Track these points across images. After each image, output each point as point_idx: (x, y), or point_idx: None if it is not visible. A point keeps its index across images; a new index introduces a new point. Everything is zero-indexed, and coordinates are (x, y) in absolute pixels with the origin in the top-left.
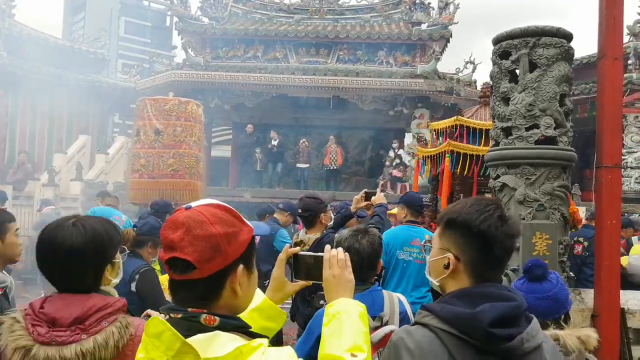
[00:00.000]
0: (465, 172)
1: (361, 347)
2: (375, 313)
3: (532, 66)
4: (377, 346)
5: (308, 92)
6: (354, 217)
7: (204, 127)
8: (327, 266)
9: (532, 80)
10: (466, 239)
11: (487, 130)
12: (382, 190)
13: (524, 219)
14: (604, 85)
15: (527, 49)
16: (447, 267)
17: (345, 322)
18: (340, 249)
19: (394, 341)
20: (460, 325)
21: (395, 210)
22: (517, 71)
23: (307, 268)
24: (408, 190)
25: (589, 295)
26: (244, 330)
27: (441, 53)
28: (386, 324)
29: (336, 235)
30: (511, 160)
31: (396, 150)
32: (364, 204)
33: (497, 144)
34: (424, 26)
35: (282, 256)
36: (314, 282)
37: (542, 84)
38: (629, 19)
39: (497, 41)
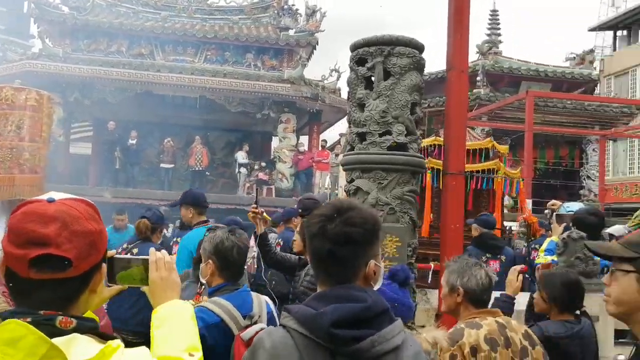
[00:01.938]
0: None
1: (196, 346)
2: (246, 312)
3: (387, 74)
4: (247, 343)
5: (174, 90)
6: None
7: (63, 121)
8: (154, 269)
9: (386, 87)
10: (307, 240)
11: None
12: (247, 193)
13: None
14: (451, 96)
15: (382, 57)
16: None
17: (179, 323)
18: (164, 251)
19: (255, 340)
20: (308, 326)
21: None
22: (373, 78)
23: (126, 271)
24: (274, 194)
25: (434, 295)
26: (96, 331)
27: (308, 59)
28: (255, 323)
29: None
30: (365, 164)
31: (243, 156)
32: None
33: (352, 148)
34: (291, 32)
35: None
36: (132, 286)
37: (395, 92)
38: (478, 38)
39: (354, 48)
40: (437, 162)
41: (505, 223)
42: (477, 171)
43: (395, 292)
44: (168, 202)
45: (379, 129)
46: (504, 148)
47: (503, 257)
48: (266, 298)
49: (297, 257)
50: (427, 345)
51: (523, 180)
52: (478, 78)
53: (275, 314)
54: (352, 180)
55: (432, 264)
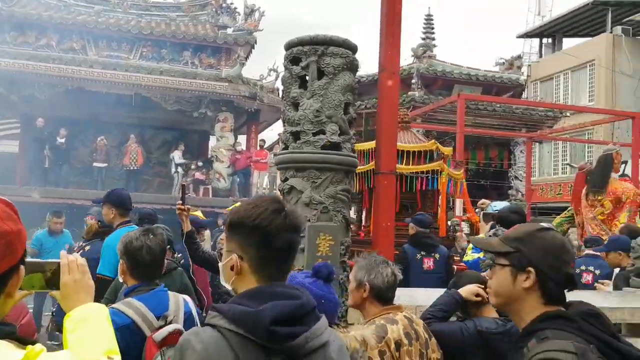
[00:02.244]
0: None
1: (115, 349)
2: (161, 313)
3: (320, 74)
4: (160, 345)
5: (108, 87)
6: None
7: None
8: (67, 271)
9: (320, 87)
10: (245, 237)
11: (406, 151)
12: (184, 193)
13: (309, 220)
14: (382, 97)
15: (315, 56)
16: (233, 268)
17: (96, 326)
18: (77, 254)
19: (181, 342)
20: (244, 325)
21: (197, 212)
22: (307, 77)
23: (26, 276)
24: (211, 194)
25: None
26: (15, 336)
27: (246, 58)
28: (170, 323)
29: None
30: (299, 163)
31: (179, 155)
32: None
33: (286, 147)
34: (229, 30)
35: None
36: (36, 291)
37: (329, 92)
38: (413, 42)
39: (288, 46)
40: None
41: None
42: (422, 172)
43: (321, 288)
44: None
45: (312, 128)
46: (448, 150)
47: (437, 255)
48: (186, 297)
49: None
50: (355, 344)
51: (466, 180)
52: (413, 81)
53: (196, 314)
54: (286, 179)
55: None
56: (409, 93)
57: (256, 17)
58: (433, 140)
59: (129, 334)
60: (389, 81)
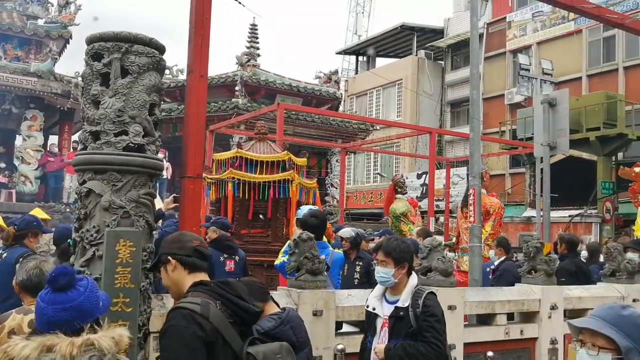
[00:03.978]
0: (246, 196)
1: None
2: None
3: (124, 72)
4: None
5: None
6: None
7: None
8: None
9: (123, 86)
10: None
11: (262, 162)
12: None
13: (108, 226)
14: (190, 100)
15: (119, 53)
16: None
17: None
18: None
19: None
20: None
21: None
22: (110, 75)
23: None
24: (15, 198)
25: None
26: None
27: (59, 53)
28: None
29: None
30: (98, 165)
31: None
32: (172, 205)
33: (85, 148)
34: (40, 22)
35: None
36: None
37: (133, 91)
38: (238, 50)
39: (90, 41)
40: (238, 172)
41: None
42: (275, 181)
43: (43, 298)
44: None
45: (114, 128)
46: (302, 161)
47: (237, 257)
48: None
49: None
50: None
51: (319, 189)
52: (237, 88)
53: None
54: (84, 182)
55: None
56: (233, 100)
57: (72, 10)
58: (286, 152)
59: None
60: (196, 83)
